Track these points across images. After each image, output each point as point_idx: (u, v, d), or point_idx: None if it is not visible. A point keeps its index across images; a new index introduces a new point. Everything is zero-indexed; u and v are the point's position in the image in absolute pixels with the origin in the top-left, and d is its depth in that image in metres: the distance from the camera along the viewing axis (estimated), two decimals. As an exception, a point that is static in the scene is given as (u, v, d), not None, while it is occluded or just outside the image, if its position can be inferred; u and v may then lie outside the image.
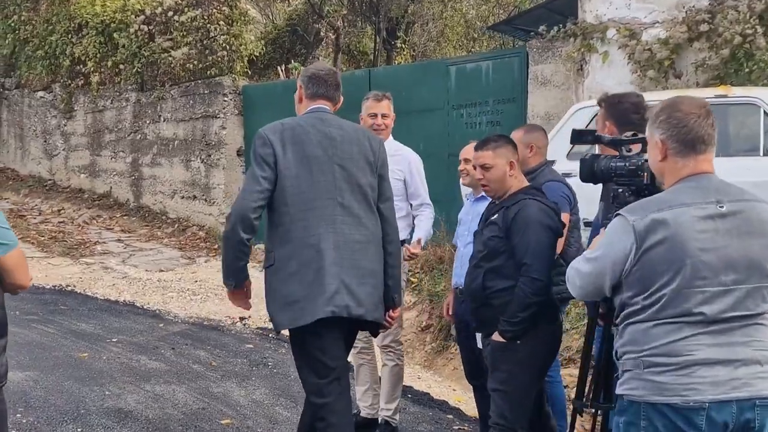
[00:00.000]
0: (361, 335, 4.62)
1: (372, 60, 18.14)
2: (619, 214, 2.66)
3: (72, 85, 15.63)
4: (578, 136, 3.44)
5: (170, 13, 13.47)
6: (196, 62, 13.12)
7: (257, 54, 13.79)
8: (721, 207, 2.55)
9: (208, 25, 12.91)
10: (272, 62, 16.23)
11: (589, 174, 3.25)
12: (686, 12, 8.41)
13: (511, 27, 11.02)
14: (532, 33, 9.70)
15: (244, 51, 13.11)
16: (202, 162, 13.28)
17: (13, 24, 16.70)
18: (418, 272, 8.49)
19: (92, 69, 14.93)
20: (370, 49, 18.73)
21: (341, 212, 3.75)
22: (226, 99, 12.84)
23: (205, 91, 13.09)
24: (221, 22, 12.84)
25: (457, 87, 10.26)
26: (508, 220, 3.76)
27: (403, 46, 18.79)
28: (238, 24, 13.04)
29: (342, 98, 4.07)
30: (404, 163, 5.04)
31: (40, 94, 16.68)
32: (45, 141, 16.65)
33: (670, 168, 2.67)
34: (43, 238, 12.16)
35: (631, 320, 2.62)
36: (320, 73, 3.99)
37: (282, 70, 15.02)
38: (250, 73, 14.12)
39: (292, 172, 3.69)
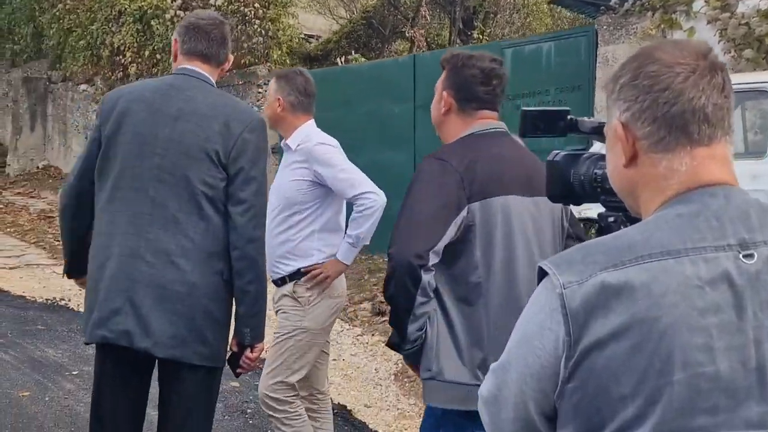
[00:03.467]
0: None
1: (448, 52, 16.91)
2: (542, 271, 1.23)
3: (112, 77, 14.75)
4: (533, 124, 1.78)
5: (207, -3, 12.38)
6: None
7: (295, 42, 12.53)
8: (748, 255, 1.17)
9: (243, 9, 11.70)
10: (345, 55, 15.21)
11: (562, 187, 1.67)
12: (796, -25, 6.76)
13: (579, 2, 9.47)
14: (602, 8, 8.16)
15: (282, 37, 11.84)
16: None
17: (58, 13, 15.97)
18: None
19: (130, 59, 14.01)
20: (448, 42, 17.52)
21: (150, 209, 2.83)
22: (260, 90, 11.55)
23: (239, 82, 11.87)
24: (257, 4, 11.61)
25: (513, 73, 8.59)
26: None
27: (481, 37, 17.48)
28: (276, 7, 11.80)
29: (231, 57, 3.01)
30: (307, 160, 3.61)
31: (83, 87, 15.93)
32: (86, 137, 15.79)
33: (646, 178, 1.27)
34: (57, 243, 11.15)
35: None
36: (200, 23, 2.94)
37: (341, 62, 13.95)
38: (310, 64, 12.91)
39: (108, 149, 2.91)
